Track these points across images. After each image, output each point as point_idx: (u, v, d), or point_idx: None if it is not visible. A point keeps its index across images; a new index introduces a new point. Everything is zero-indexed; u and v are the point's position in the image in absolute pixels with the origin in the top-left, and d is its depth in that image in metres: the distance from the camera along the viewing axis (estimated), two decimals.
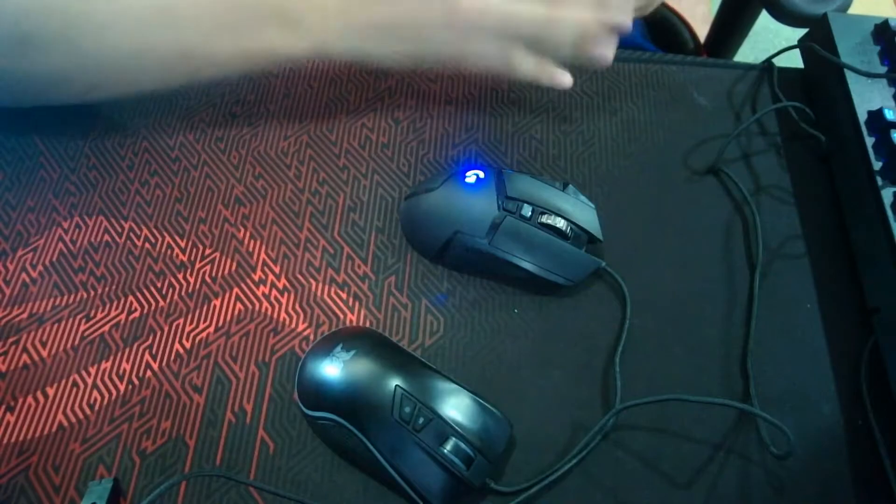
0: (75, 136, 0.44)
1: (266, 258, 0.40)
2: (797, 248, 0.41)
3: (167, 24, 0.38)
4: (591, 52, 0.41)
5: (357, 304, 0.38)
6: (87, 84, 0.39)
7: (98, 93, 0.40)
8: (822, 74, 0.46)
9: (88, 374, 0.36)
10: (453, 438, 0.32)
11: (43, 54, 0.37)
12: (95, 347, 0.37)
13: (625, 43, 0.43)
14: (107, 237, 0.40)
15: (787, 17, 0.52)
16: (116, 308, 0.38)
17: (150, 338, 0.37)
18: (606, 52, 0.41)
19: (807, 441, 0.35)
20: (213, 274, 0.39)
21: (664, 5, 0.75)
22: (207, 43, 0.39)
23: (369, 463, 0.32)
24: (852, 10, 0.48)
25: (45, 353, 0.37)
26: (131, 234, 0.41)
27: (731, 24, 0.71)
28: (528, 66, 0.41)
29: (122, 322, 0.38)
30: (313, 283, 0.39)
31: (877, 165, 0.40)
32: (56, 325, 0.37)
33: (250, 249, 0.40)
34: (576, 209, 0.38)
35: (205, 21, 0.38)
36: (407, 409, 0.32)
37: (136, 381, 0.36)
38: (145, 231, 0.41)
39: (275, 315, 0.38)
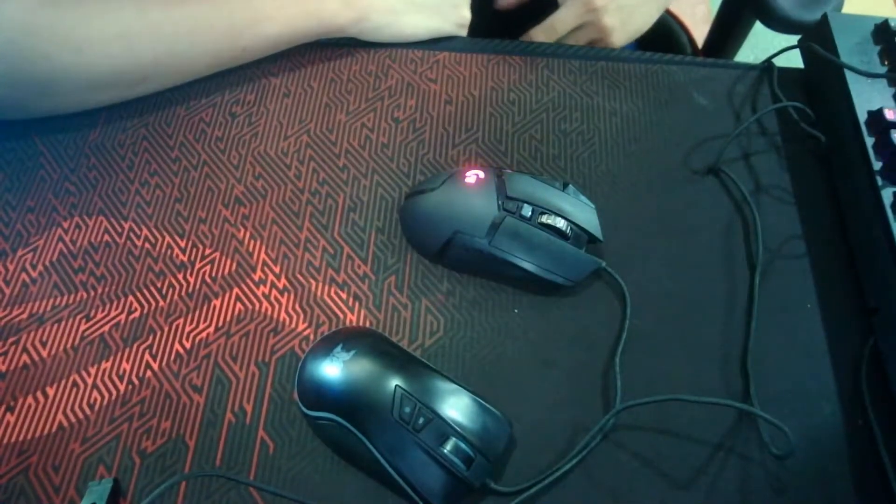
0: (75, 136, 0.44)
1: (266, 258, 0.40)
2: (797, 248, 0.41)
3: (217, 9, 0.42)
4: None
5: (357, 304, 0.38)
6: (139, 77, 0.42)
7: (149, 84, 0.44)
8: (822, 74, 0.46)
9: (88, 374, 0.36)
10: (453, 438, 0.32)
11: (101, 50, 0.40)
12: (95, 347, 0.37)
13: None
14: (107, 237, 0.40)
15: (778, 23, 0.53)
16: (116, 308, 0.38)
17: (150, 338, 0.37)
18: None
19: (807, 441, 0.35)
20: (213, 274, 0.39)
21: None
22: (256, 20, 0.43)
23: (369, 463, 0.32)
24: (853, 11, 0.48)
25: (45, 353, 0.37)
26: (131, 234, 0.41)
27: (729, 29, 0.71)
28: None
29: (122, 322, 0.38)
30: (313, 283, 0.39)
31: (877, 165, 0.40)
32: (56, 325, 0.37)
33: (250, 249, 0.40)
34: (576, 209, 0.38)
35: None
36: (407, 409, 0.32)
37: (136, 381, 0.36)
38: (145, 231, 0.41)
39: (275, 315, 0.38)
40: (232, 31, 0.43)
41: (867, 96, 0.42)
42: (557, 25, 0.54)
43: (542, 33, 0.55)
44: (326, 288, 0.39)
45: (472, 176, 0.39)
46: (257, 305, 0.38)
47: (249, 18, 0.43)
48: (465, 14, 0.50)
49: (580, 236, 0.38)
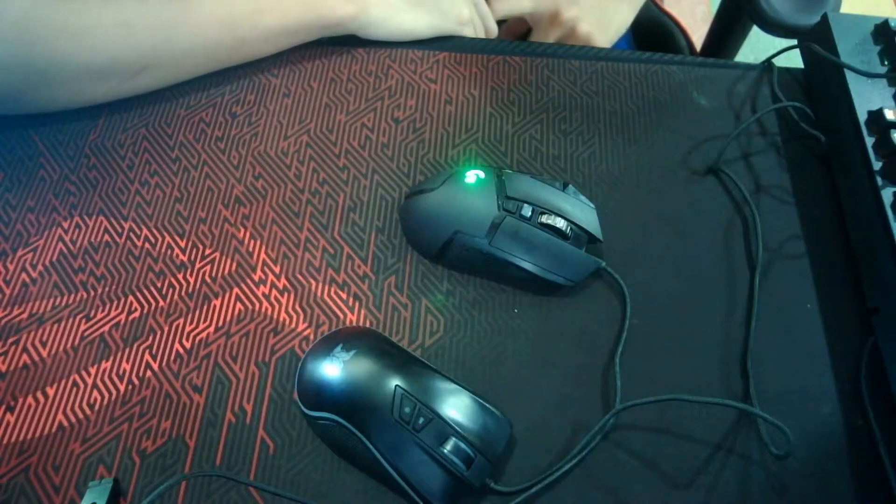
0: (75, 136, 0.44)
1: (266, 258, 0.40)
2: (797, 248, 0.41)
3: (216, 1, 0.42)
4: None
5: (357, 304, 0.38)
6: (138, 66, 0.42)
7: (148, 76, 0.43)
8: (822, 74, 0.46)
9: (88, 374, 0.36)
10: (453, 438, 0.32)
11: (100, 36, 0.40)
12: (95, 347, 0.37)
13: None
14: (107, 237, 0.40)
15: (773, 28, 0.53)
16: (116, 308, 0.38)
17: (150, 338, 0.37)
18: None
19: (807, 441, 0.35)
20: (213, 274, 0.39)
21: (660, 9, 0.75)
22: (255, 11, 0.43)
23: (369, 463, 0.32)
24: (853, 11, 0.48)
25: (45, 353, 0.37)
26: (131, 234, 0.41)
27: (728, 31, 0.71)
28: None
29: (122, 322, 0.38)
30: (313, 283, 0.39)
31: (877, 165, 0.40)
32: (56, 325, 0.37)
33: (250, 249, 0.40)
34: (576, 209, 0.38)
35: None
36: (407, 409, 0.32)
37: (136, 381, 0.36)
38: (145, 231, 0.41)
39: (275, 315, 0.38)
40: (231, 21, 0.43)
41: (867, 96, 0.42)
42: None
43: None
44: (326, 288, 0.39)
45: (472, 176, 0.39)
46: (257, 305, 0.38)
47: (248, 9, 0.43)
48: (465, 12, 0.50)
49: (580, 236, 0.38)
